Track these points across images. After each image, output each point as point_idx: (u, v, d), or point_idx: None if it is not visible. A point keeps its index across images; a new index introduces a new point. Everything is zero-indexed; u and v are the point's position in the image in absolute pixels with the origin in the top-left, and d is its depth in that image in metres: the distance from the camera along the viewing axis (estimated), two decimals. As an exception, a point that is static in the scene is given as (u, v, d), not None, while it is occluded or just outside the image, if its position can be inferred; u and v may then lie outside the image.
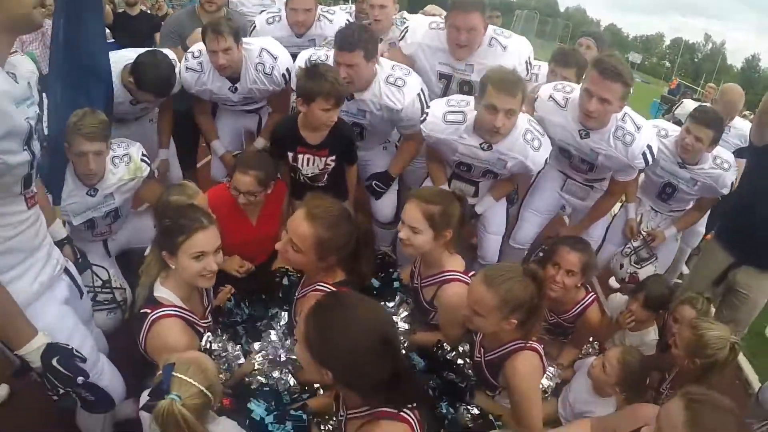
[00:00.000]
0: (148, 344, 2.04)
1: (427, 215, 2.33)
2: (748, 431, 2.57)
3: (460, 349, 2.41)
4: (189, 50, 3.45)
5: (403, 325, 2.57)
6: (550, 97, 3.15)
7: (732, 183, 3.36)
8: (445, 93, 3.44)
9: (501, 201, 3.41)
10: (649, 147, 3.03)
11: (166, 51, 3.41)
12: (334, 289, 2.11)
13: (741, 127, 4.34)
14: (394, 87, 3.14)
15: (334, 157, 3.11)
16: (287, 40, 3.75)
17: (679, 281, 4.79)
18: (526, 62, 3.36)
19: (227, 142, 3.86)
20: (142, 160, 3.01)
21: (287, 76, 3.40)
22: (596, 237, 3.64)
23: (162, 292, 2.12)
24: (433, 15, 3.84)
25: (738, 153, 3.93)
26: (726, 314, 3.34)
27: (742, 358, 4.00)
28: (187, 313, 2.13)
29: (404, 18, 4.13)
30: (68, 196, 2.78)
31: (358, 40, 2.96)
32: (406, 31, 3.49)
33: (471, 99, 3.02)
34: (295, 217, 2.14)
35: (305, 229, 2.07)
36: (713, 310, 3.06)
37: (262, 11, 4.39)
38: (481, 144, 2.97)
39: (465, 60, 3.33)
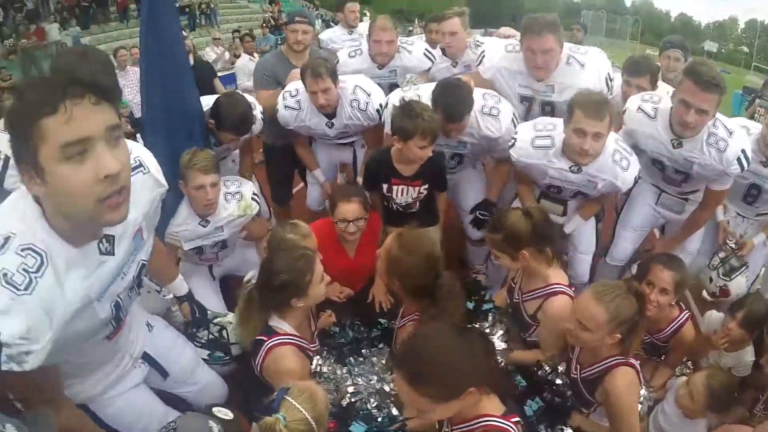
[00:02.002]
0: (264, 369, 2.25)
1: (494, 243, 2.53)
2: None
3: (560, 369, 2.45)
4: (285, 89, 3.66)
5: (499, 344, 2.66)
6: (639, 108, 3.12)
7: None
8: (527, 115, 3.51)
9: (590, 220, 3.42)
10: (743, 151, 2.93)
11: (249, 96, 3.60)
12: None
13: None
14: (489, 117, 3.25)
15: (426, 186, 3.24)
16: (369, 71, 3.97)
17: None
18: (606, 78, 3.35)
19: (325, 173, 4.10)
20: (252, 198, 3.26)
21: (381, 111, 3.56)
22: (691, 250, 3.57)
23: (276, 322, 2.32)
24: (508, 37, 3.92)
25: None
26: None
27: None
28: (299, 340, 2.32)
29: (478, 41, 4.24)
30: (182, 223, 3.09)
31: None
32: (483, 56, 3.56)
33: (558, 122, 3.05)
34: (389, 239, 2.40)
35: (389, 239, 2.37)
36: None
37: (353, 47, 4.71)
38: (570, 167, 3.01)
39: (545, 81, 3.36)
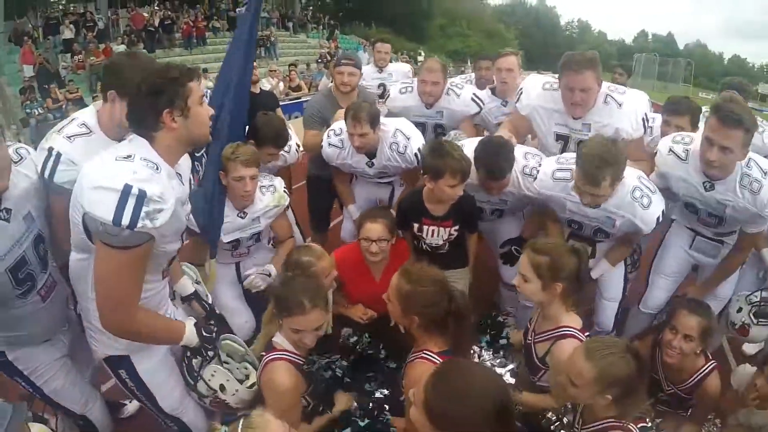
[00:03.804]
0: (260, 381, 2.39)
1: (534, 264, 2.43)
2: None
3: (565, 420, 2.37)
4: (330, 128, 3.84)
5: (509, 380, 2.69)
6: (670, 150, 3.09)
7: None
8: (563, 153, 3.49)
9: (619, 266, 3.38)
10: None
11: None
12: (436, 357, 2.24)
13: None
14: (530, 177, 3.27)
15: (457, 228, 3.30)
16: (417, 109, 4.17)
17: None
18: (643, 118, 3.33)
19: (361, 209, 4.20)
20: (284, 190, 3.47)
21: (419, 155, 3.63)
22: (724, 296, 3.49)
23: (278, 338, 2.45)
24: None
25: None
26: None
27: None
28: (296, 356, 2.43)
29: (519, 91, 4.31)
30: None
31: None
32: (521, 93, 3.61)
33: None
34: (394, 276, 2.42)
35: (395, 279, 2.36)
36: None
37: (379, 84, 4.92)
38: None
39: (581, 119, 3.36)
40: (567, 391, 2.14)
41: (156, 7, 22.25)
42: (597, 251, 3.37)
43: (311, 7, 39.04)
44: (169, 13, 22.03)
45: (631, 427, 2.08)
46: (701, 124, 3.68)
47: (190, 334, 2.29)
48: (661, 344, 2.84)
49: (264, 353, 2.46)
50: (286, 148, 3.81)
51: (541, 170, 3.16)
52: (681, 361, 2.75)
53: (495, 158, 3.13)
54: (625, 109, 3.29)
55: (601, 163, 2.71)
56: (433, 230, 3.31)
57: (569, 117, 3.38)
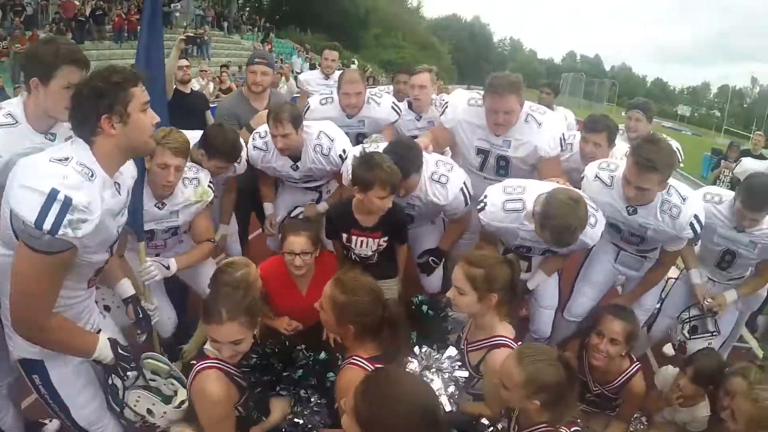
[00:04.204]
0: (191, 391, 2.28)
1: (470, 277, 2.43)
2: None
3: (499, 426, 2.36)
4: (256, 131, 3.75)
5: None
6: (596, 176, 3.23)
7: None
8: (482, 166, 3.64)
9: (553, 276, 3.45)
10: (696, 217, 3.03)
11: None
12: (366, 363, 2.21)
13: None
14: (438, 184, 3.32)
15: (386, 238, 3.27)
16: (339, 120, 4.06)
17: (738, 344, 4.70)
18: (561, 138, 3.48)
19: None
20: (209, 185, 3.28)
21: (344, 156, 3.62)
22: (648, 306, 3.65)
23: (209, 345, 2.33)
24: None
25: None
26: None
27: None
28: (227, 365, 2.31)
29: (443, 99, 4.32)
30: None
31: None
32: (447, 107, 3.68)
33: (526, 185, 3.11)
34: (327, 284, 2.36)
35: (328, 290, 2.31)
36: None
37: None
38: None
39: (503, 136, 3.48)
40: (498, 393, 2.16)
41: (89, -4, 21.10)
42: (533, 264, 3.41)
43: (248, 8, 38.68)
44: (101, 3, 21.01)
45: (565, 430, 2.10)
46: (619, 141, 3.97)
47: (103, 349, 2.15)
48: (587, 348, 2.92)
49: (195, 361, 2.33)
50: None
51: (489, 201, 3.13)
52: (607, 363, 2.82)
53: (401, 156, 3.14)
54: (544, 129, 3.43)
55: (572, 222, 2.75)
56: (362, 241, 3.26)
57: (491, 133, 3.50)
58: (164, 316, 3.23)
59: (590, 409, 3.02)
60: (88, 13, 19.52)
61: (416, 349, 2.39)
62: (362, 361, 2.22)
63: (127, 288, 2.61)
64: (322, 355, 2.46)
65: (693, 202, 3.07)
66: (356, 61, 30.86)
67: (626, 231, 3.29)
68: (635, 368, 2.89)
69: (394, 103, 4.37)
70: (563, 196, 2.79)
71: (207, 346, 2.34)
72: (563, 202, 2.75)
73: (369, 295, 2.28)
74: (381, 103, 4.27)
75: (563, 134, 3.52)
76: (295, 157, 3.69)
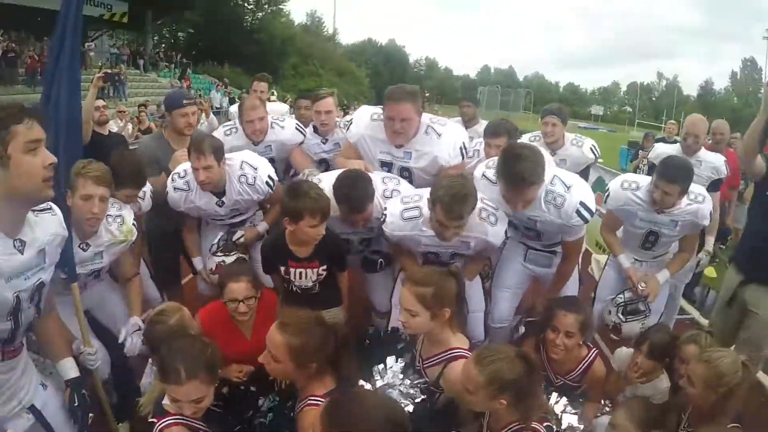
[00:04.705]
0: None
1: (419, 297, 2.38)
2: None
3: None
4: (175, 171, 3.59)
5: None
6: (483, 175, 3.30)
7: (710, 213, 3.44)
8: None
9: (475, 280, 3.46)
10: (583, 203, 3.07)
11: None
12: (323, 400, 2.07)
13: (711, 160, 4.52)
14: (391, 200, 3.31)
15: (325, 267, 3.19)
16: (245, 148, 3.97)
17: (681, 317, 4.94)
18: (461, 147, 3.52)
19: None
20: (133, 224, 3.09)
21: (271, 183, 3.58)
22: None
23: (167, 399, 2.18)
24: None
25: (712, 186, 4.21)
26: (743, 336, 3.40)
27: (761, 375, 4.05)
28: (191, 420, 2.16)
29: (347, 121, 4.33)
30: None
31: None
32: (351, 123, 3.73)
33: (423, 193, 3.13)
34: (270, 329, 2.23)
35: (278, 338, 2.18)
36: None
37: None
38: None
39: (403, 147, 3.51)
40: (464, 399, 2.15)
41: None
42: None
43: (163, 45, 37.97)
44: (13, 45, 20.11)
45: (536, 426, 2.10)
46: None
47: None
48: (545, 343, 2.97)
49: (156, 418, 2.16)
50: (140, 194, 3.44)
51: (389, 213, 3.17)
52: (566, 355, 2.88)
53: (354, 192, 3.12)
54: (444, 139, 3.48)
55: (461, 196, 2.81)
56: (300, 272, 3.17)
57: (393, 146, 3.53)
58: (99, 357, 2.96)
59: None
60: (-1, 55, 18.49)
61: (376, 367, 2.39)
62: (320, 399, 2.14)
63: (68, 369, 2.33)
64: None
65: (578, 190, 3.11)
66: (275, 92, 30.68)
67: (521, 226, 3.38)
68: (593, 354, 2.97)
69: (297, 124, 4.36)
70: (450, 176, 2.99)
71: (165, 401, 2.18)
72: (450, 177, 2.94)
73: (320, 328, 2.23)
74: (285, 126, 4.27)
75: (464, 143, 3.57)
76: (219, 193, 3.55)
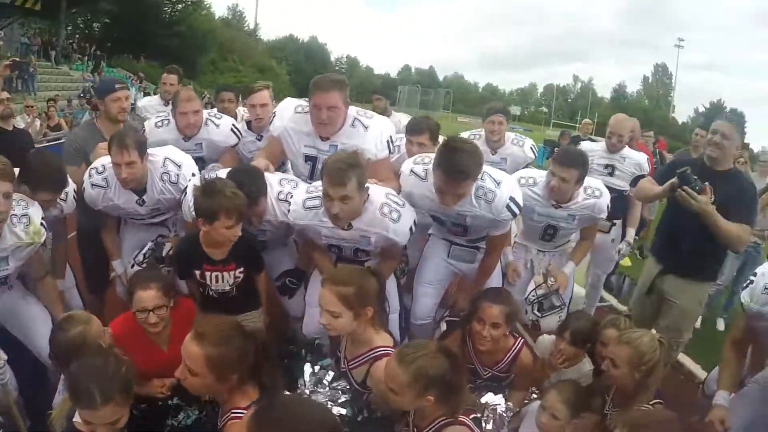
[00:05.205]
0: None
1: (341, 297, 2.34)
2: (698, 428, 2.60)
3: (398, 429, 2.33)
4: (92, 166, 3.38)
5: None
6: (411, 171, 3.28)
7: (607, 207, 3.57)
8: (312, 174, 3.51)
9: (390, 279, 3.39)
10: (512, 198, 3.13)
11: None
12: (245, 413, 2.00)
13: (634, 157, 4.77)
14: (286, 203, 3.21)
15: (241, 269, 3.08)
16: (175, 143, 3.82)
17: (600, 304, 5.23)
18: (388, 140, 3.47)
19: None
20: (41, 224, 2.88)
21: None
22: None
23: (81, 420, 2.03)
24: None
25: (635, 182, 4.39)
26: (663, 323, 3.60)
27: (681, 356, 4.41)
28: None
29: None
30: None
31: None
32: (275, 116, 3.57)
33: None
34: (185, 340, 2.06)
35: (195, 350, 2.00)
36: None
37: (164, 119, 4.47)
38: None
39: (329, 141, 3.40)
40: (390, 399, 2.10)
41: None
42: None
43: (77, 35, 35.90)
44: None
45: (463, 419, 2.10)
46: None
47: None
48: (471, 336, 2.98)
49: None
50: (62, 195, 3.23)
51: (293, 201, 3.13)
52: (493, 346, 2.92)
53: (243, 184, 2.98)
54: (371, 132, 3.40)
55: (346, 164, 2.80)
56: (216, 276, 3.04)
57: (318, 139, 3.42)
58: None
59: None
60: None
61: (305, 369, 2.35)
62: (243, 411, 2.02)
63: None
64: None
65: (507, 185, 3.18)
66: (193, 88, 29.82)
67: (448, 222, 3.39)
68: (520, 343, 3.03)
69: (234, 125, 4.20)
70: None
71: (77, 418, 2.02)
72: (339, 152, 2.98)
73: (239, 336, 2.08)
74: (220, 124, 4.10)
75: (390, 137, 3.52)
76: (140, 191, 3.36)
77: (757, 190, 3.83)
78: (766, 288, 2.52)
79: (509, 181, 3.25)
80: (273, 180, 3.24)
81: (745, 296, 2.69)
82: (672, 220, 3.53)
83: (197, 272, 3.03)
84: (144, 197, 3.38)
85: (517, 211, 3.18)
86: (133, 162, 3.14)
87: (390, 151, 3.53)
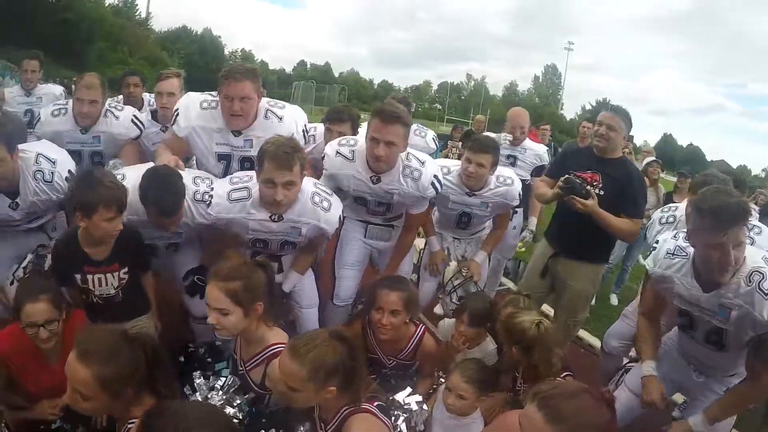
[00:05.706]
0: None
1: (230, 293, 2.25)
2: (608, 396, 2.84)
3: (302, 428, 2.26)
4: None
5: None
6: (337, 153, 3.32)
7: (519, 194, 3.76)
8: (226, 173, 3.30)
9: (308, 273, 3.40)
10: (436, 176, 3.36)
11: None
12: None
13: (535, 148, 5.07)
14: (203, 204, 3.00)
15: (126, 270, 2.88)
16: (71, 135, 3.60)
17: (499, 288, 5.48)
18: (303, 130, 3.42)
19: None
20: None
21: (70, 178, 3.12)
22: (406, 271, 3.87)
23: None
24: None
25: (536, 172, 4.75)
26: (560, 303, 3.83)
27: (582, 333, 4.80)
28: None
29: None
30: None
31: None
32: (178, 114, 3.26)
33: (253, 173, 2.96)
34: (68, 362, 1.82)
35: (82, 372, 1.77)
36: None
37: (26, 111, 4.12)
38: (271, 216, 2.96)
39: (242, 135, 3.23)
40: (291, 398, 2.03)
41: None
42: (283, 265, 3.33)
43: (-46, 25, 32.46)
44: None
45: (368, 406, 2.06)
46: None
47: None
48: (371, 325, 2.99)
49: None
50: None
51: (215, 194, 2.97)
52: (394, 334, 2.92)
53: (164, 193, 2.77)
54: (285, 123, 3.31)
55: (290, 148, 2.77)
56: (99, 279, 2.82)
57: (230, 135, 3.23)
58: None
59: (391, 382, 3.05)
60: None
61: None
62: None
63: None
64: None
65: (430, 164, 3.40)
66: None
67: (373, 201, 3.45)
68: (422, 330, 3.07)
69: (135, 116, 3.93)
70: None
71: None
72: (275, 138, 2.88)
73: (127, 345, 1.87)
74: (120, 116, 3.84)
75: (305, 126, 3.49)
76: (12, 194, 3.02)
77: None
78: (668, 253, 2.68)
79: (431, 161, 3.47)
80: (188, 179, 2.97)
81: (648, 262, 2.85)
82: (566, 208, 3.69)
83: (78, 276, 2.78)
84: (17, 200, 3.04)
85: (440, 187, 3.40)
86: (1, 159, 2.83)
87: (305, 141, 3.45)
